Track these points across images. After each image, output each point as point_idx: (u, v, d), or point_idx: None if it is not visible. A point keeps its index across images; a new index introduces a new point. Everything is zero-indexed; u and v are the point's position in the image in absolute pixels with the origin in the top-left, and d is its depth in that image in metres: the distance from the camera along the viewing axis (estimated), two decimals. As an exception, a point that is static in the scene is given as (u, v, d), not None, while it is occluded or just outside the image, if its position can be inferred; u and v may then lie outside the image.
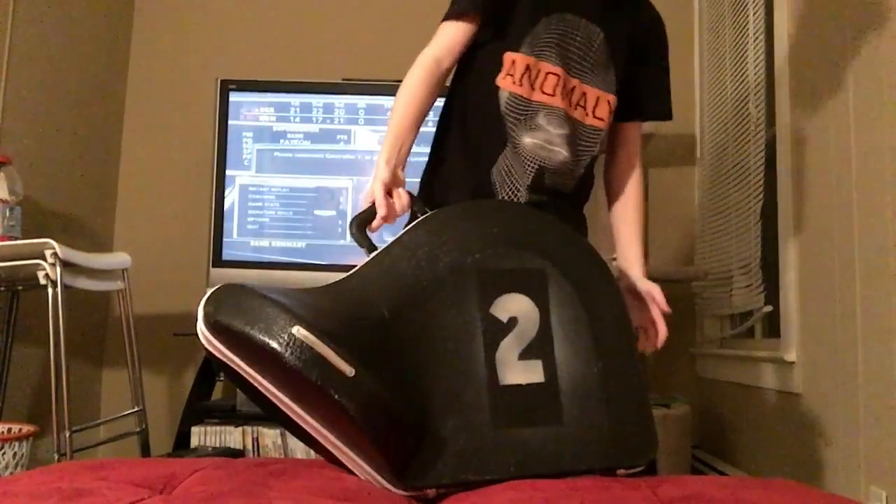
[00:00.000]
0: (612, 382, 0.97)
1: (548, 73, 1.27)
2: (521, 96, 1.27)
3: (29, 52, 2.48)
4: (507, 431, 0.91)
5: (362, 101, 2.69)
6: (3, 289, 2.29)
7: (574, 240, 1.08)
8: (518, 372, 0.95)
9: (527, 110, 1.27)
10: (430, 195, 1.32)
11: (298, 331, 0.81)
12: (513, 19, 1.28)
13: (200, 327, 0.88)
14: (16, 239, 2.07)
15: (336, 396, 0.80)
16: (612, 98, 1.33)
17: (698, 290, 2.77)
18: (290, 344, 0.81)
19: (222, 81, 2.72)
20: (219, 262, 2.64)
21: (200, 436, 2.46)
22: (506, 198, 1.29)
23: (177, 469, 0.89)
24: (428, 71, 1.26)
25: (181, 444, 2.49)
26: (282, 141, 2.70)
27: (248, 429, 2.45)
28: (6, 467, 1.78)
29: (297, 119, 2.70)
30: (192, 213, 2.94)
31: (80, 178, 2.81)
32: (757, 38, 2.30)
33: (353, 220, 1.12)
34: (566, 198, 1.35)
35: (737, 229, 2.39)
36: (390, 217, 1.14)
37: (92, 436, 2.49)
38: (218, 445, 2.44)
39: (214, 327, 0.86)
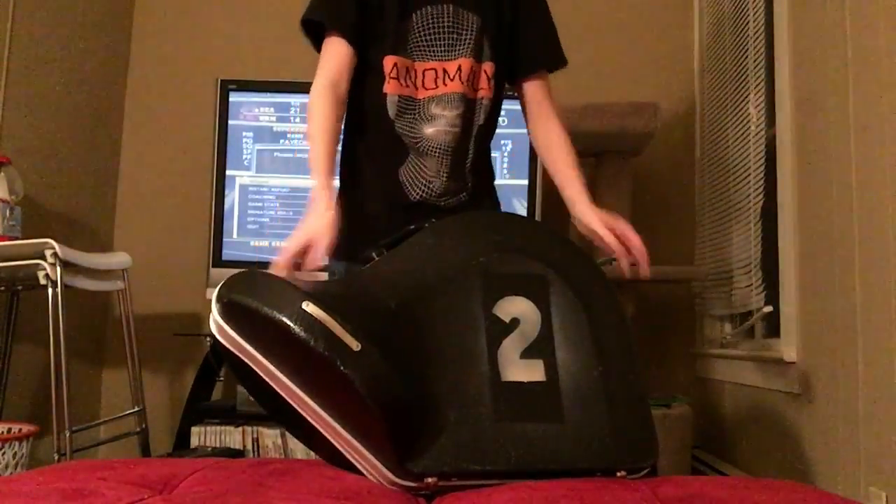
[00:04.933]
0: (613, 386, 0.98)
1: (424, 71, 1.34)
2: (409, 97, 1.34)
3: (29, 52, 2.48)
4: (508, 425, 0.92)
5: (362, 101, 2.69)
6: (3, 289, 2.29)
7: (574, 249, 1.12)
8: (520, 370, 0.96)
9: (417, 106, 1.34)
10: (349, 204, 1.33)
11: (307, 305, 0.84)
12: (383, 23, 1.33)
13: (213, 315, 0.90)
14: (16, 239, 2.07)
15: (342, 368, 0.82)
16: (488, 66, 1.37)
17: (698, 290, 2.77)
18: (300, 318, 0.83)
19: (222, 81, 2.72)
20: (219, 262, 2.64)
21: (200, 436, 2.46)
22: (418, 194, 1.35)
23: (177, 469, 0.89)
24: (327, 101, 1.29)
25: (181, 444, 2.49)
26: (282, 141, 2.70)
27: (248, 429, 2.45)
28: (6, 467, 1.78)
29: (297, 119, 2.70)
30: (192, 213, 2.94)
31: (80, 178, 2.81)
32: (757, 38, 2.30)
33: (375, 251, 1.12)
34: (478, 185, 1.41)
35: (737, 229, 2.39)
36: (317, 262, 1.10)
37: (92, 436, 2.49)
38: (218, 445, 2.44)
39: (226, 307, 0.88)
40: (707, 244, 2.70)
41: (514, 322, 0.99)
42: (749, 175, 2.28)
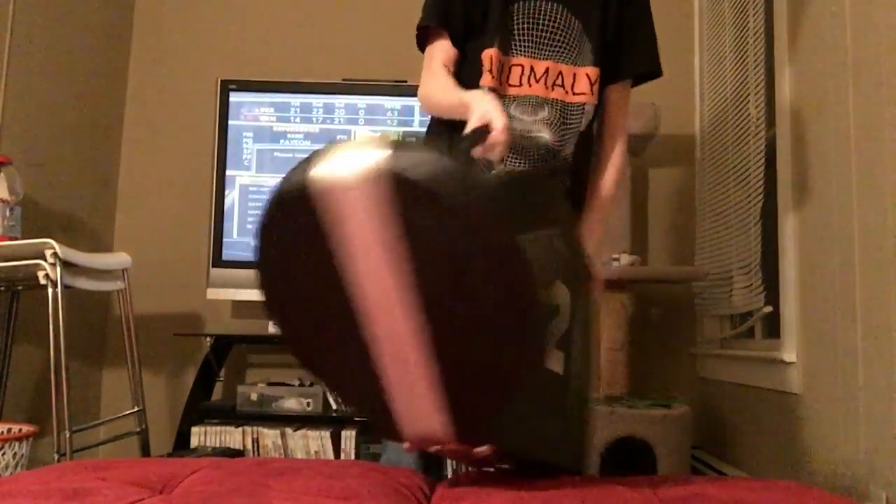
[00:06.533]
0: (574, 390, 0.97)
1: (511, 66, 1.31)
2: (495, 90, 1.30)
3: (29, 53, 2.48)
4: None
5: (362, 101, 2.69)
6: (3, 289, 2.29)
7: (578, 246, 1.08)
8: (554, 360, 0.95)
9: (502, 104, 1.28)
10: None
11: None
12: (486, 16, 1.31)
13: (377, 171, 0.81)
14: (16, 239, 2.07)
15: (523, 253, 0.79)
16: (590, 70, 1.32)
17: (698, 290, 2.77)
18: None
19: (222, 81, 2.72)
20: (219, 262, 2.64)
21: (200, 436, 2.46)
22: None
23: (177, 469, 0.89)
24: (446, 72, 1.31)
25: (181, 444, 2.50)
26: (282, 141, 2.70)
27: (248, 429, 2.45)
28: (6, 467, 1.78)
29: (298, 119, 2.70)
30: (192, 213, 2.94)
31: (80, 178, 2.81)
32: (757, 38, 2.30)
33: (464, 138, 1.06)
34: (565, 169, 1.35)
35: (737, 229, 2.39)
36: (500, 145, 1.09)
37: (92, 436, 2.49)
38: (218, 445, 2.44)
39: (404, 183, 0.80)
40: (707, 244, 2.70)
41: (557, 309, 0.95)
42: (749, 175, 2.28)
